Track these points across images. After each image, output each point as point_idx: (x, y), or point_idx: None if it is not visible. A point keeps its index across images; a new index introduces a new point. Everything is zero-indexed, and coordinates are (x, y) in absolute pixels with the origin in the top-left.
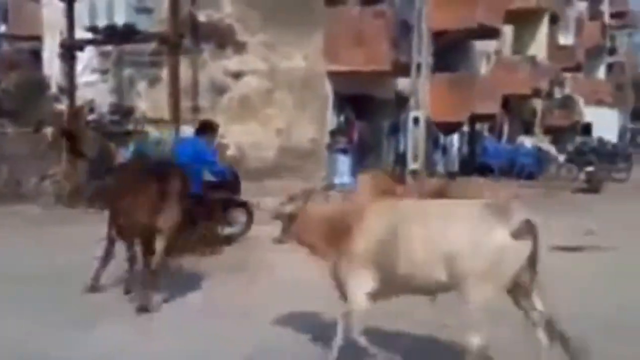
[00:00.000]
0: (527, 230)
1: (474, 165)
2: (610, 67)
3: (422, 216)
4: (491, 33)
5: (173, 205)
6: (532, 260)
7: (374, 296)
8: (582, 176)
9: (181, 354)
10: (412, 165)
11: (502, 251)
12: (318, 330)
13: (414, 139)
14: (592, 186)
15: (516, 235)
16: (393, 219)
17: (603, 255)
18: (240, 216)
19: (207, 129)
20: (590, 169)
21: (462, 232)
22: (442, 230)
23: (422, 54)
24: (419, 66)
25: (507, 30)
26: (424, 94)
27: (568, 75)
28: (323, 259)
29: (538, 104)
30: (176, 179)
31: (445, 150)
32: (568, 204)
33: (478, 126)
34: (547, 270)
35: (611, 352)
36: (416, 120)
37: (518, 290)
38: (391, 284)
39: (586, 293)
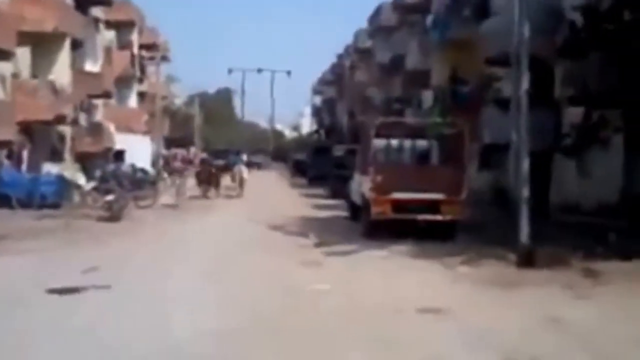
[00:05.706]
0: None
1: None
2: (142, 96)
3: None
4: (3, 55)
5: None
6: None
7: None
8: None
9: None
10: None
11: None
12: None
13: None
14: (113, 215)
15: None
16: None
17: (96, 295)
18: None
19: None
20: (110, 197)
21: None
22: None
23: None
24: None
25: (25, 53)
26: None
27: (99, 101)
28: None
29: (68, 130)
30: None
31: None
32: (86, 235)
33: None
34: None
35: None
36: None
37: None
38: None
39: None
